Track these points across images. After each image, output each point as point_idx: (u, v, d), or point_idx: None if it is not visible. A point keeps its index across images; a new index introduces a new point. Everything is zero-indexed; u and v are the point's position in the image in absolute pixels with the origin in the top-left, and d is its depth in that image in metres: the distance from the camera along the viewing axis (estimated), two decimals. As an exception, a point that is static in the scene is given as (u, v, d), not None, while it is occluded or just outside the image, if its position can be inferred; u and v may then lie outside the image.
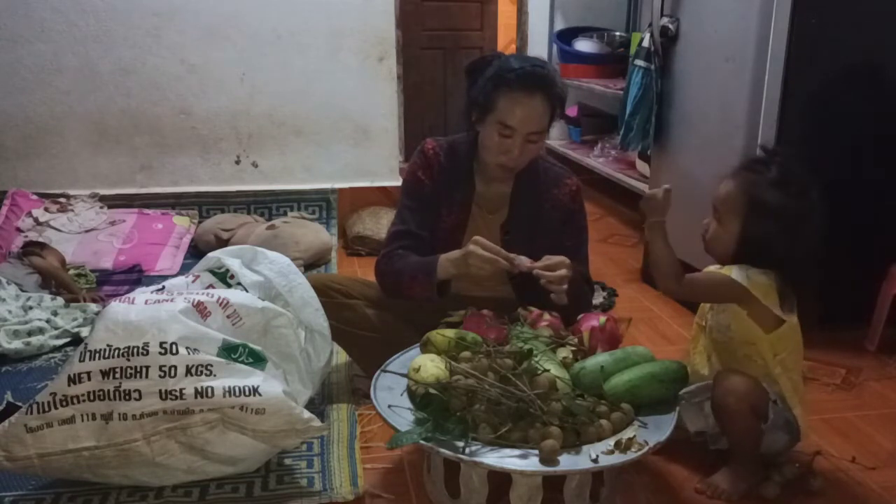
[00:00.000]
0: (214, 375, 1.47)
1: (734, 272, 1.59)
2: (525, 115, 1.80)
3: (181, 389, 1.45)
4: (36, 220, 3.09)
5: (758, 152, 1.72)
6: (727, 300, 1.64)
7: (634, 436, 1.42)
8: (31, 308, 2.35)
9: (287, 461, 1.68)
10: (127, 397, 1.45)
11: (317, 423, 1.49)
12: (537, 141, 1.86)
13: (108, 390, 1.45)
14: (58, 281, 2.59)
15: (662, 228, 1.66)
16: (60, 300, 2.44)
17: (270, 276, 1.72)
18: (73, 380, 1.46)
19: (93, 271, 2.87)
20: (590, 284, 2.01)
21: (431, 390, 1.47)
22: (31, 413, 1.46)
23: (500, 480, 1.43)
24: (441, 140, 2.03)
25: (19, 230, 3.04)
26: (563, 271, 1.74)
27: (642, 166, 3.61)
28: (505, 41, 5.47)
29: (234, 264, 1.72)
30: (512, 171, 1.91)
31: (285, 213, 3.40)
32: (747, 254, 1.60)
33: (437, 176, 1.98)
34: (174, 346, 1.47)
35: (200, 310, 1.56)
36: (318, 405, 1.90)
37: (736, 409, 1.55)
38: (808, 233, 1.56)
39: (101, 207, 3.25)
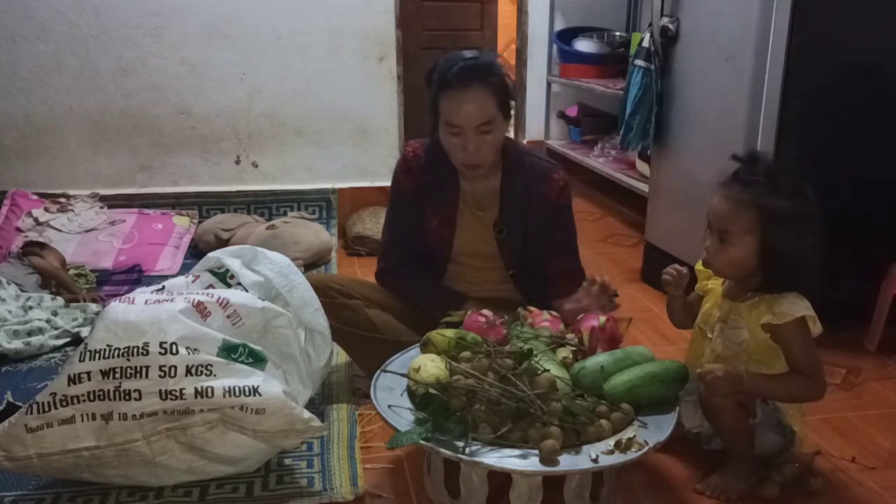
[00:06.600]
0: (214, 375, 1.47)
1: (797, 308, 1.51)
2: (466, 110, 1.80)
3: (181, 389, 1.45)
4: (36, 220, 3.09)
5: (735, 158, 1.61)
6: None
7: (634, 436, 1.42)
8: (31, 308, 2.34)
9: (287, 461, 1.68)
10: (127, 397, 1.45)
11: (317, 423, 1.49)
12: (491, 131, 1.83)
13: (108, 390, 1.45)
14: (58, 281, 2.59)
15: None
16: (60, 300, 2.44)
17: (270, 276, 1.72)
18: (73, 380, 1.46)
19: (93, 271, 2.86)
20: (580, 275, 2.01)
21: (431, 390, 1.47)
22: (31, 413, 1.46)
23: (500, 480, 1.43)
24: (426, 140, 2.03)
25: (19, 230, 3.04)
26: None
27: (642, 166, 3.61)
28: (505, 41, 5.47)
29: (234, 264, 1.72)
30: (478, 167, 1.89)
31: (285, 213, 3.40)
32: (776, 270, 1.53)
33: (419, 177, 1.98)
34: (174, 346, 1.47)
35: (200, 310, 1.56)
36: (318, 405, 1.90)
37: (721, 405, 1.55)
38: (818, 232, 1.51)
39: (101, 207, 3.25)
